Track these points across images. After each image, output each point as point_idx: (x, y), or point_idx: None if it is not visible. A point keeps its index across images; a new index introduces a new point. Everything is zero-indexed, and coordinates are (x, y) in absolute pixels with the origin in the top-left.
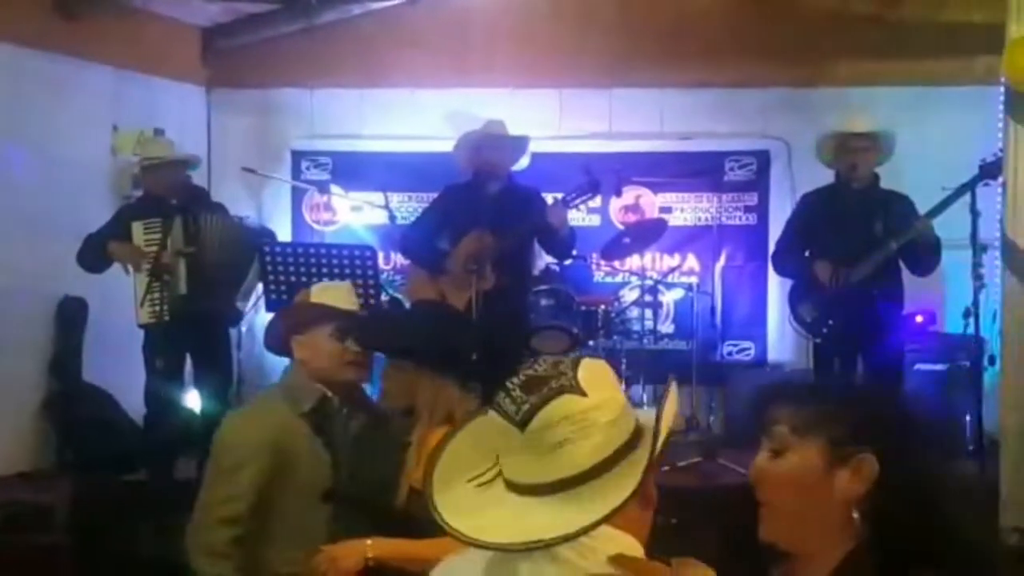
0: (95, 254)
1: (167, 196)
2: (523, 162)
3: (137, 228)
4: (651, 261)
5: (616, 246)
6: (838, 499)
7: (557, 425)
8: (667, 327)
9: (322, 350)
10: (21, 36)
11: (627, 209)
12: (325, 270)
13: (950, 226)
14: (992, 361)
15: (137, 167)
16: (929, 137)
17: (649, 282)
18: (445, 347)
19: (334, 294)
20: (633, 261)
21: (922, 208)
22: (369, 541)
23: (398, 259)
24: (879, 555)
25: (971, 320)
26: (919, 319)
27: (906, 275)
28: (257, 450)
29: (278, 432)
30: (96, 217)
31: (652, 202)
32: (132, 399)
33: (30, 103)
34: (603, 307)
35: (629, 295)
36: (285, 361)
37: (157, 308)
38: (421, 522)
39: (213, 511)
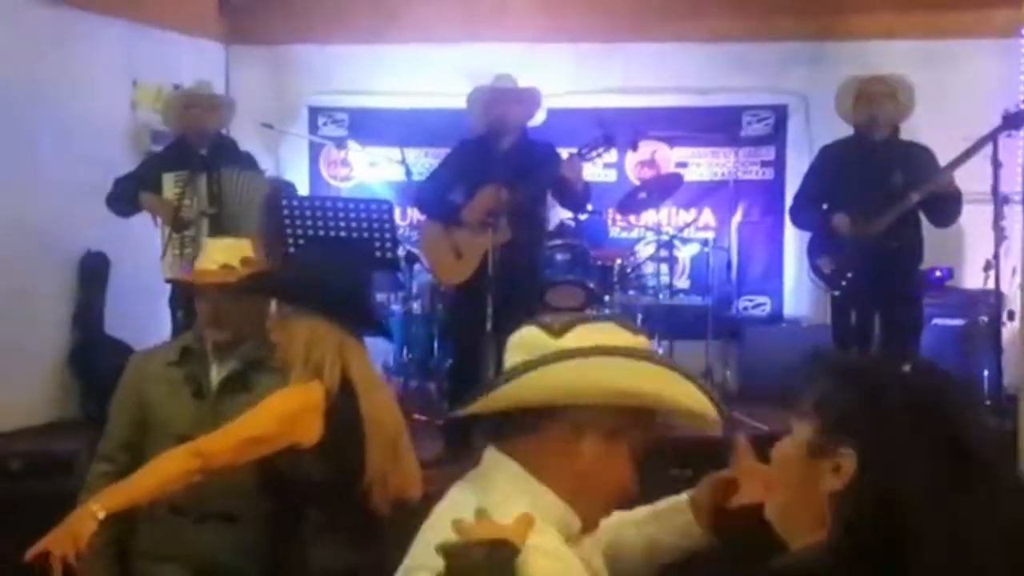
0: (125, 199)
1: (197, 145)
2: (539, 117)
3: (167, 180)
4: (667, 216)
5: (632, 201)
6: (822, 491)
7: None
8: (683, 282)
9: (198, 312)
10: None
11: (643, 164)
12: (342, 224)
13: (970, 179)
14: (1012, 316)
15: (165, 117)
16: (949, 90)
17: (665, 237)
18: (322, 287)
19: (201, 260)
20: (649, 216)
21: (942, 160)
22: (95, 500)
23: (414, 215)
24: (840, 556)
25: (991, 274)
26: (937, 274)
27: (925, 229)
28: (125, 395)
29: (142, 379)
30: (114, 170)
31: (668, 157)
32: None
33: (45, 57)
34: (619, 262)
35: (644, 250)
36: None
37: (179, 264)
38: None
39: (99, 447)
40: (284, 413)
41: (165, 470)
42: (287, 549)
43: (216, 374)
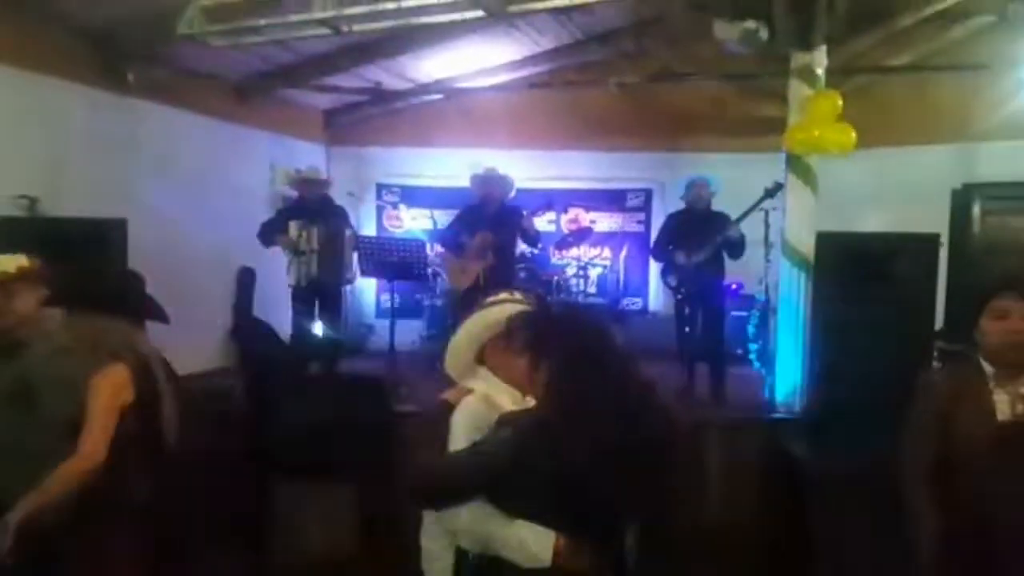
0: (268, 236)
1: (312, 203)
2: (512, 193)
3: (292, 226)
4: (584, 252)
5: (564, 242)
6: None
7: None
8: (592, 289)
9: None
10: (214, 111)
11: (570, 221)
12: (395, 254)
13: (753, 231)
14: (773, 311)
15: (291, 186)
16: (746, 183)
17: (582, 264)
18: (88, 289)
19: None
20: (573, 252)
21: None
22: None
23: (438, 249)
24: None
25: (763, 286)
26: (734, 286)
27: (726, 260)
28: None
29: None
30: (259, 218)
31: (585, 217)
32: (282, 328)
33: (221, 154)
34: (556, 277)
35: (570, 271)
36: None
37: (298, 277)
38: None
39: None
40: (114, 388)
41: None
42: None
43: None
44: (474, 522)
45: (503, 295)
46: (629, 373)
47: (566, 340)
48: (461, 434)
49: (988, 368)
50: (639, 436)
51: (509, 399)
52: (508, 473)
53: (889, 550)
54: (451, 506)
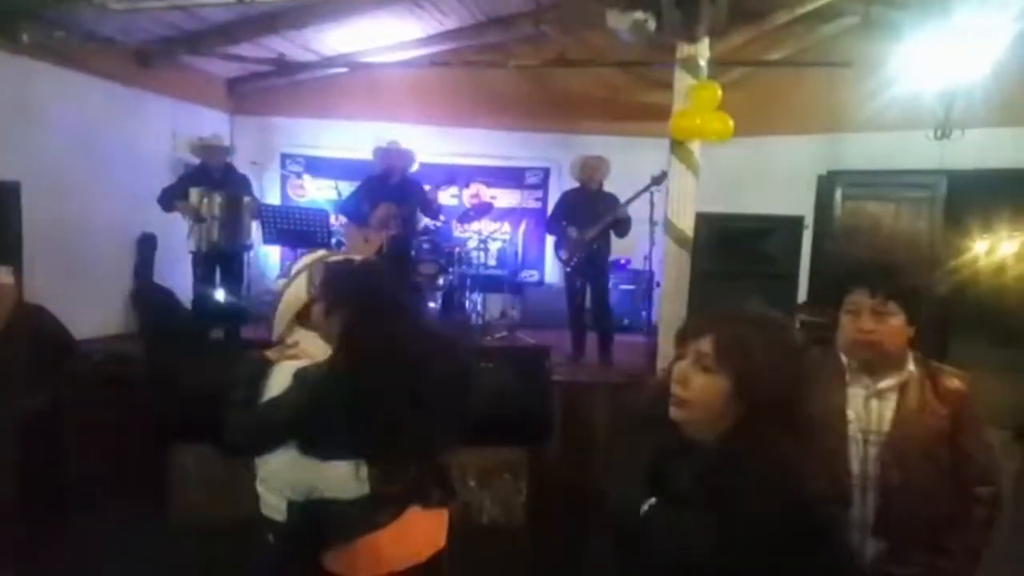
0: (169, 202)
1: (214, 170)
2: (415, 167)
3: (194, 192)
4: (485, 225)
5: (465, 216)
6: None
7: None
8: (492, 261)
9: None
10: (114, 75)
11: (472, 196)
12: (298, 222)
13: (638, 210)
14: (657, 284)
15: (193, 153)
16: (631, 164)
17: (483, 237)
18: None
19: None
20: (475, 225)
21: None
22: None
23: (341, 219)
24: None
25: (648, 262)
26: (622, 261)
27: (613, 237)
28: None
29: None
30: (161, 184)
31: (486, 193)
32: (183, 294)
33: (122, 119)
34: (458, 249)
35: (472, 244)
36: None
37: (198, 242)
38: None
39: None
40: None
41: None
42: None
43: None
44: (293, 471)
45: (310, 258)
46: (418, 323)
47: (357, 292)
48: (275, 390)
49: (845, 360)
50: (430, 378)
51: (323, 354)
52: (305, 420)
53: None
54: (258, 454)
